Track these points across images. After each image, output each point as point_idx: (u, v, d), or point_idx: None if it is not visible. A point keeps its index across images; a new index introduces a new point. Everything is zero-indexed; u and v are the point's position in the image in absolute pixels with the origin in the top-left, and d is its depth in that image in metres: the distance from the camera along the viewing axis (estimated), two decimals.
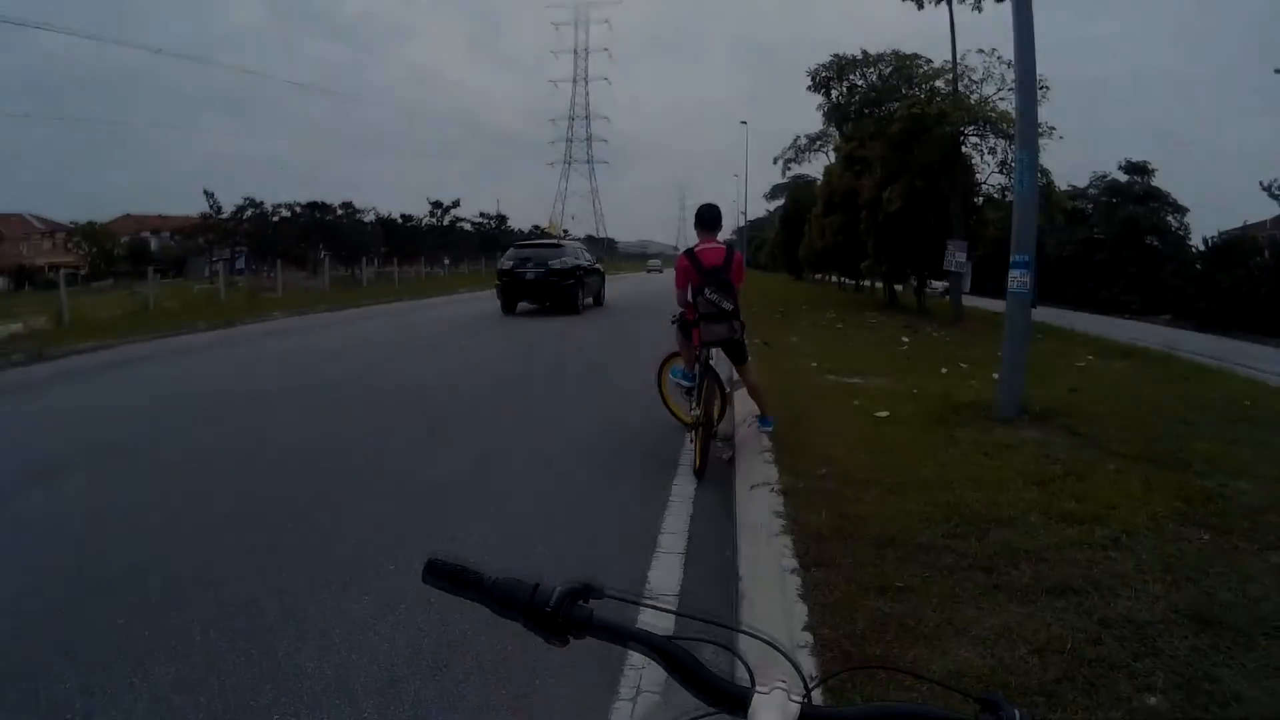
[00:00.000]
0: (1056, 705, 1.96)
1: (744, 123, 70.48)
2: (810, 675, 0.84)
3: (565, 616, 0.67)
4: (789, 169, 24.73)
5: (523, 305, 15.90)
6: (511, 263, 15.65)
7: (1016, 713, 0.58)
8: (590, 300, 17.22)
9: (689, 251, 4.65)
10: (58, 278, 17.84)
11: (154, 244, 50.91)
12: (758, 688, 0.63)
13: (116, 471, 4.71)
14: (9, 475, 4.56)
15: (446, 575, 0.72)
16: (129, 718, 2.16)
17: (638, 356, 8.21)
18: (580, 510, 3.99)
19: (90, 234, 45.97)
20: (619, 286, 24.25)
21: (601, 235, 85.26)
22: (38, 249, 52.26)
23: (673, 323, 4.96)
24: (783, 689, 0.62)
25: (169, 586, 3.00)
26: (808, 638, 2.33)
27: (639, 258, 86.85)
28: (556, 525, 3.76)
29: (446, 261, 43.87)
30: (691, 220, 4.87)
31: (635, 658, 2.49)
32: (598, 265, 19.18)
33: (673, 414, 5.40)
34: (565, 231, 67.36)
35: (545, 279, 15.18)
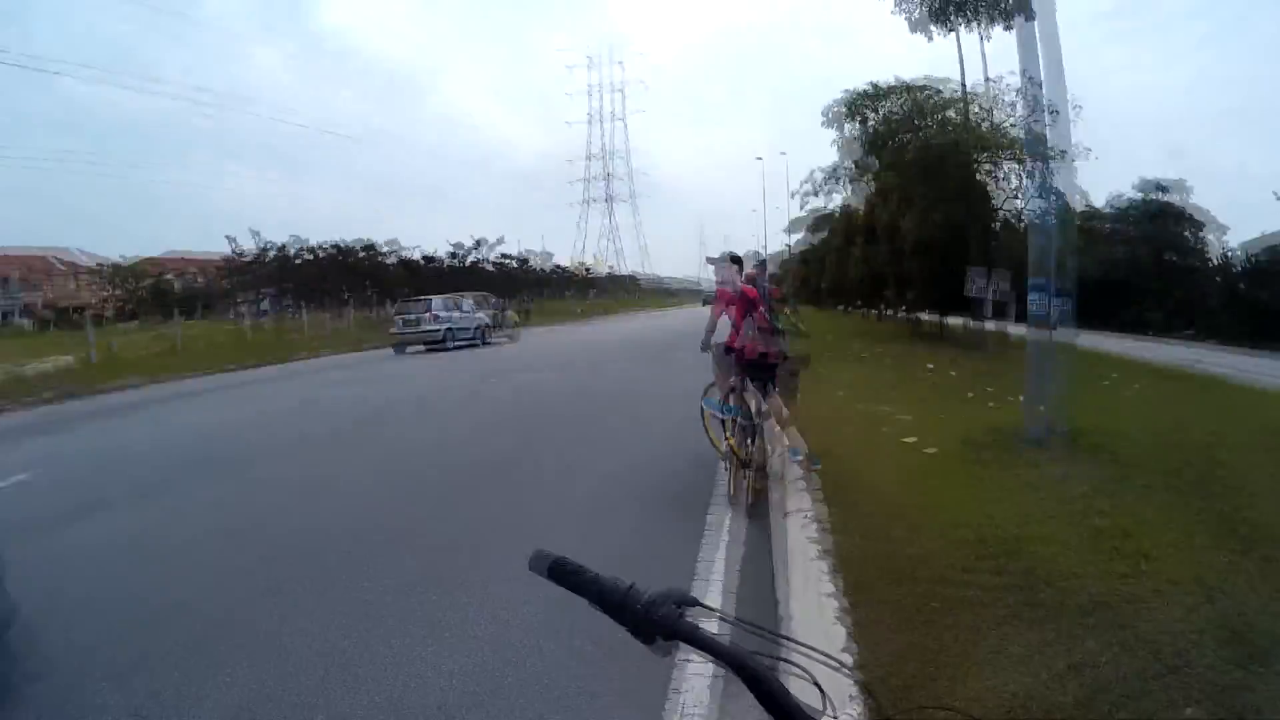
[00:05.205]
0: None
1: (759, 158, 75.42)
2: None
3: (655, 619, 0.69)
4: (805, 203, 25.08)
5: None
6: None
7: None
8: None
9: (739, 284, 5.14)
10: (83, 319, 18.40)
11: (177, 285, 49.09)
12: (826, 715, 0.65)
13: (145, 510, 5.08)
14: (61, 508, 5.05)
15: (551, 566, 0.76)
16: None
17: None
18: (614, 539, 4.03)
19: (114, 275, 44.79)
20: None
21: (623, 273, 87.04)
22: (62, 290, 50.11)
23: (703, 350, 5.21)
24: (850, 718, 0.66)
25: (206, 626, 3.14)
26: (848, 660, 2.37)
27: (663, 294, 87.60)
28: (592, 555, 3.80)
29: None
30: (706, 256, 5.60)
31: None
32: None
33: (711, 442, 5.48)
34: (587, 270, 69.33)
35: None
